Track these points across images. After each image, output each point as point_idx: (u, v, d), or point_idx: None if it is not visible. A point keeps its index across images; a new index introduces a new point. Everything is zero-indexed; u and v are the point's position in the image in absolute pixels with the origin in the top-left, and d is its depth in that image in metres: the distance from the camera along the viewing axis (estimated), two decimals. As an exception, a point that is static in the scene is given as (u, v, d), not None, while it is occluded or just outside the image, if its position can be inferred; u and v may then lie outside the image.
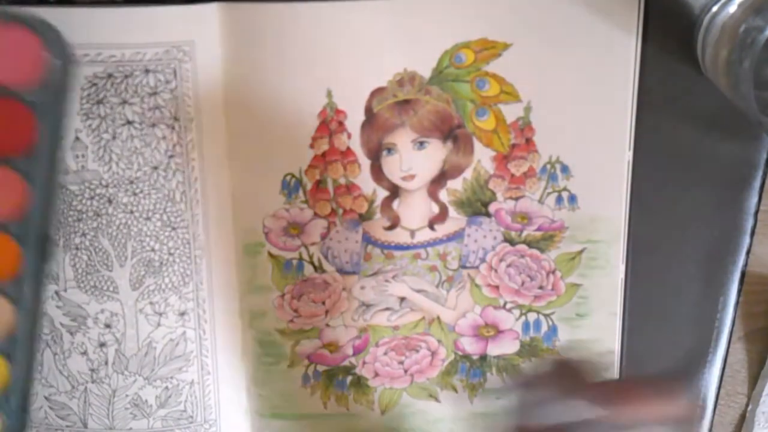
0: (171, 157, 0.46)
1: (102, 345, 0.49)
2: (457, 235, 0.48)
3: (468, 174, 0.47)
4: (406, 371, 0.51)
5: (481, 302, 0.49)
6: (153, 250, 0.47)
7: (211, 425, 0.51)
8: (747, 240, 0.48)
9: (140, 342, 0.49)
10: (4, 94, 0.39)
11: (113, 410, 0.50)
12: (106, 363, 0.49)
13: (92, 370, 0.50)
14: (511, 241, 0.48)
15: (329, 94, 0.45)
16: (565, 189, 0.47)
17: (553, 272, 0.49)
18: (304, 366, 0.50)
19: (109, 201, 0.46)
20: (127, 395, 0.50)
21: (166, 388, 0.50)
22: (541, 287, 0.49)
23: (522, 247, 0.48)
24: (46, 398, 0.50)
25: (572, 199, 0.47)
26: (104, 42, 0.43)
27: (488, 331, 0.50)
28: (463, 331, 0.50)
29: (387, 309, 0.49)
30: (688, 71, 0.44)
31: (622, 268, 0.48)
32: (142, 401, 0.50)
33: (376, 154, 0.46)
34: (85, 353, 0.49)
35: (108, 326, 0.49)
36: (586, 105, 0.45)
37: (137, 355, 0.49)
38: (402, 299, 0.49)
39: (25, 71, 0.39)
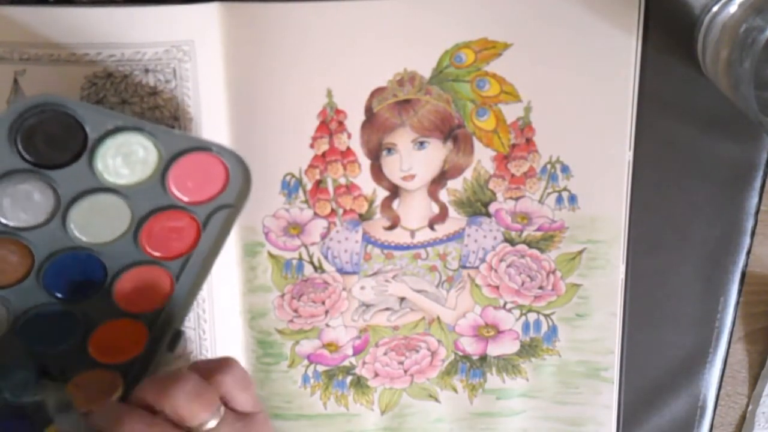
0: (171, 156, 0.46)
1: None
2: (457, 235, 0.48)
3: (468, 174, 0.47)
4: (406, 371, 0.51)
5: (481, 302, 0.49)
6: (153, 249, 0.47)
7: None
8: (747, 240, 0.48)
9: (140, 342, 0.49)
10: (182, 209, 0.43)
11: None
12: (106, 363, 0.49)
13: (92, 370, 0.49)
14: (511, 241, 0.48)
15: (329, 94, 0.45)
16: (565, 189, 0.47)
17: (554, 272, 0.48)
18: (304, 366, 0.50)
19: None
20: (126, 395, 0.50)
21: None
22: (541, 287, 0.49)
23: (522, 247, 0.48)
24: (45, 398, 0.50)
25: (572, 199, 0.47)
26: (104, 42, 0.43)
27: (488, 331, 0.50)
28: (463, 332, 0.50)
29: (387, 309, 0.49)
30: (688, 71, 0.44)
31: (622, 268, 0.48)
32: (141, 401, 0.50)
33: (376, 154, 0.46)
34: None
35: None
36: (587, 105, 0.45)
37: (137, 355, 0.49)
38: (402, 299, 0.49)
39: (207, 191, 0.43)
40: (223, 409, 0.40)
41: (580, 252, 0.48)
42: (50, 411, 0.42)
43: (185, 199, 0.43)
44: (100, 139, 0.40)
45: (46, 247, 0.42)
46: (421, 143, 0.46)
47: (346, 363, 0.50)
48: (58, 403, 0.42)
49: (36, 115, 0.39)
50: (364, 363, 0.50)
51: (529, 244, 0.48)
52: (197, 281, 0.45)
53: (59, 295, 0.43)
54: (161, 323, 0.45)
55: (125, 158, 0.41)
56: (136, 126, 0.41)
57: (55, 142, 0.40)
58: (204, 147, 0.42)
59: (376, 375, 0.51)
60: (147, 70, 0.44)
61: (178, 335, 0.46)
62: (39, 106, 0.39)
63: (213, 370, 0.41)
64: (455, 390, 0.51)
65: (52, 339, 0.44)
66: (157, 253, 0.44)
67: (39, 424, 0.43)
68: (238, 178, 0.43)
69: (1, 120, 0.39)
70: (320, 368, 0.50)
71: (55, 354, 0.44)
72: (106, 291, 0.44)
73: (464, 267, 0.48)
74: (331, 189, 0.47)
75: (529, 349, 0.50)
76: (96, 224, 0.42)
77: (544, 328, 0.50)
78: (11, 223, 0.41)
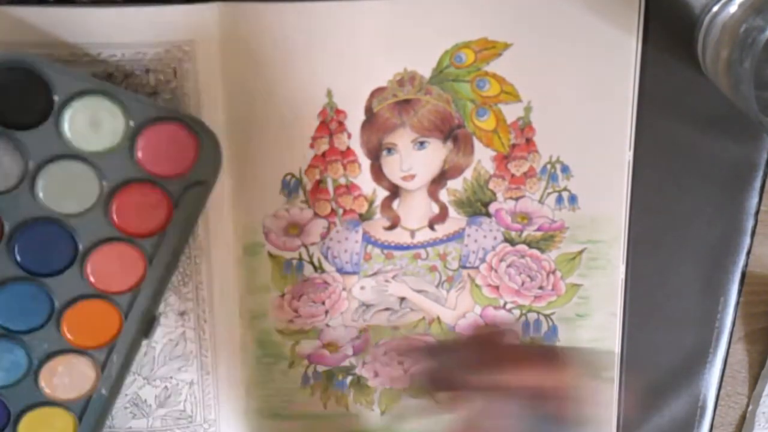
0: (171, 156, 0.46)
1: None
2: (457, 235, 0.48)
3: (468, 174, 0.47)
4: (405, 371, 0.51)
5: (482, 302, 0.49)
6: (153, 249, 0.47)
7: (211, 425, 0.51)
8: (747, 240, 0.48)
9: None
10: (152, 182, 0.42)
11: (113, 409, 0.50)
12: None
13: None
14: (511, 242, 0.48)
15: (329, 94, 0.45)
16: (565, 189, 0.47)
17: (554, 272, 0.48)
18: (304, 366, 0.50)
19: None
20: (126, 394, 0.50)
21: (166, 387, 0.50)
22: (541, 287, 0.49)
23: (522, 247, 0.48)
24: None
25: (572, 199, 0.47)
26: (104, 42, 0.43)
27: (488, 331, 0.50)
28: (463, 332, 0.50)
29: (387, 309, 0.49)
30: (688, 71, 0.44)
31: (622, 268, 0.48)
32: (141, 401, 0.50)
33: (376, 154, 0.46)
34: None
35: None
36: (587, 105, 0.45)
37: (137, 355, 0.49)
38: (402, 299, 0.49)
39: (177, 165, 0.42)
40: None
41: (581, 252, 0.48)
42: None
43: (155, 171, 0.42)
44: (67, 101, 0.40)
45: (16, 213, 0.41)
46: (421, 143, 0.46)
47: (346, 363, 0.50)
48: None
49: (1, 73, 0.39)
50: (364, 363, 0.50)
51: (529, 244, 0.48)
52: (171, 261, 0.44)
53: (29, 268, 0.42)
54: (137, 306, 0.44)
55: (93, 124, 0.40)
56: (104, 89, 0.40)
57: (21, 102, 0.40)
58: (174, 117, 0.41)
59: (376, 375, 0.51)
60: (147, 70, 0.44)
61: (153, 320, 0.45)
62: (4, 64, 0.39)
63: None
64: (455, 390, 0.51)
65: (24, 315, 0.43)
66: (129, 229, 0.42)
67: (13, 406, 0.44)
68: (210, 152, 0.42)
69: None
70: (320, 368, 0.50)
71: (28, 334, 0.43)
72: (78, 268, 0.43)
73: (464, 267, 0.48)
74: (331, 189, 0.47)
75: None
76: (65, 193, 0.41)
77: (544, 328, 0.50)
78: None
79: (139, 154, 0.41)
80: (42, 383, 0.44)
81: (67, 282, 0.43)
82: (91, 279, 0.43)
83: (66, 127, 0.40)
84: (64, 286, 0.43)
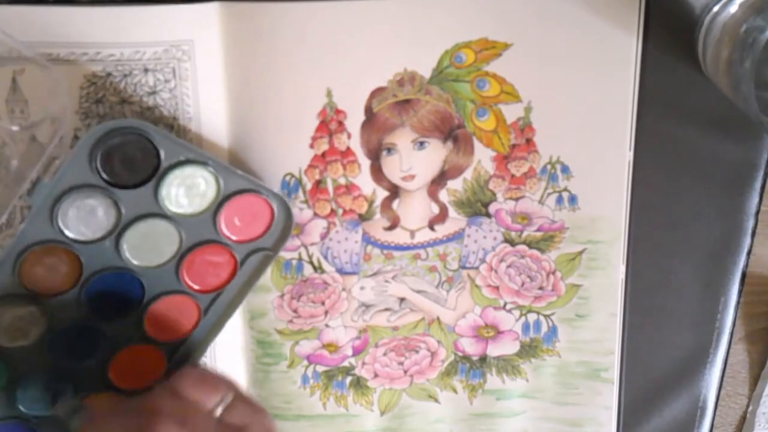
0: (170, 156, 0.46)
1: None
2: (457, 236, 0.48)
3: (468, 174, 0.47)
4: (405, 372, 0.51)
5: (481, 303, 0.49)
6: (152, 249, 0.47)
7: (210, 426, 0.50)
8: (748, 240, 0.48)
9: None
10: (224, 245, 0.44)
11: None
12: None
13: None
14: (511, 242, 0.48)
15: (329, 94, 0.45)
16: (565, 189, 0.47)
17: (554, 273, 0.48)
18: (304, 366, 0.50)
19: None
20: (125, 395, 0.50)
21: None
22: (541, 288, 0.49)
23: (522, 247, 0.48)
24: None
25: (572, 199, 0.47)
26: (103, 41, 0.43)
27: (488, 331, 0.50)
28: (462, 332, 0.50)
29: (387, 309, 0.49)
30: (688, 71, 0.44)
31: (622, 268, 0.48)
32: (140, 401, 0.50)
33: (376, 154, 0.46)
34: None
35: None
36: (587, 105, 0.45)
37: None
38: (402, 300, 0.49)
39: (250, 232, 0.45)
40: (230, 395, 0.41)
41: (580, 252, 0.48)
42: (63, 418, 0.42)
43: (231, 236, 0.44)
44: (170, 168, 0.42)
45: (96, 263, 0.43)
46: (421, 143, 0.46)
47: (345, 363, 0.50)
48: (70, 410, 0.42)
49: (119, 136, 0.41)
50: (363, 363, 0.50)
51: (529, 245, 0.48)
52: (222, 318, 0.46)
53: (95, 313, 0.44)
54: (180, 355, 0.46)
55: (188, 189, 0.43)
56: (205, 160, 0.42)
57: (131, 165, 0.42)
58: (259, 190, 0.44)
59: (376, 375, 0.51)
60: (146, 70, 0.44)
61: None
62: (124, 129, 0.41)
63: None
64: (455, 391, 0.51)
65: (79, 354, 0.45)
66: (194, 285, 0.45)
67: None
68: (281, 224, 0.45)
69: (89, 136, 0.41)
70: (320, 369, 0.50)
71: (76, 371, 0.45)
72: (138, 314, 0.45)
73: (464, 267, 0.48)
74: (330, 189, 0.47)
75: (529, 350, 0.50)
76: (146, 248, 0.44)
77: (544, 328, 0.50)
78: (71, 234, 0.42)
79: (222, 220, 0.44)
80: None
81: (124, 328, 0.45)
82: (148, 327, 0.45)
83: (163, 191, 0.43)
84: (120, 332, 0.45)
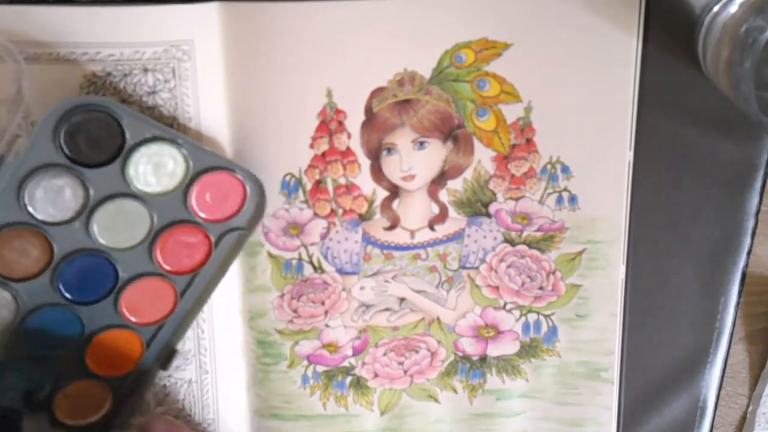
0: (170, 156, 0.46)
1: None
2: (457, 236, 0.48)
3: (468, 174, 0.47)
4: (405, 372, 0.51)
5: (481, 303, 0.49)
6: (152, 249, 0.47)
7: (210, 424, 0.50)
8: (748, 240, 0.48)
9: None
10: (197, 225, 0.44)
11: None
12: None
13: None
14: (511, 242, 0.48)
15: (329, 94, 0.45)
16: (565, 189, 0.47)
17: (554, 273, 0.48)
18: (304, 366, 0.50)
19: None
20: (125, 394, 0.50)
21: (164, 386, 0.50)
22: (541, 288, 0.49)
23: (522, 247, 0.48)
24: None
25: (573, 199, 0.47)
26: (103, 41, 0.43)
27: (488, 331, 0.50)
28: (462, 332, 0.50)
29: (387, 309, 0.49)
30: (688, 71, 0.44)
31: (622, 268, 0.48)
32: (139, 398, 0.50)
33: (376, 154, 0.46)
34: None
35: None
36: (587, 105, 0.45)
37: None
38: (402, 300, 0.49)
39: (223, 211, 0.44)
40: None
41: (580, 252, 0.48)
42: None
43: (202, 215, 0.44)
44: (136, 146, 0.42)
45: (67, 245, 0.43)
46: (421, 143, 0.46)
47: (345, 363, 0.50)
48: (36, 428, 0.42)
49: (83, 113, 0.41)
50: (363, 363, 0.50)
51: (529, 245, 0.48)
52: (200, 300, 0.46)
53: (69, 296, 0.43)
54: (158, 340, 0.46)
55: (155, 167, 0.42)
56: (172, 137, 0.42)
57: (95, 142, 0.41)
58: (229, 167, 0.43)
59: (376, 375, 0.51)
60: (146, 70, 0.44)
61: (172, 353, 0.47)
62: (87, 106, 0.41)
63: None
64: (455, 391, 0.51)
65: (53, 341, 0.44)
66: (167, 267, 0.44)
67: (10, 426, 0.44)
68: (254, 202, 0.44)
69: (50, 114, 0.40)
70: (320, 369, 0.50)
71: (52, 358, 0.44)
72: (113, 298, 0.44)
73: (464, 267, 0.48)
74: (330, 189, 0.47)
75: (529, 350, 0.50)
76: (117, 229, 0.43)
77: (544, 328, 0.50)
78: (39, 216, 0.42)
79: (192, 199, 0.44)
80: (54, 406, 0.45)
81: (100, 311, 0.44)
82: (123, 310, 0.45)
83: (131, 170, 0.42)
84: (95, 315, 0.44)
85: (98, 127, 0.41)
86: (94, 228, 0.42)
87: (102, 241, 0.43)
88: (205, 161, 0.43)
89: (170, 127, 0.43)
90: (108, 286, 0.44)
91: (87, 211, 0.42)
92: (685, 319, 0.49)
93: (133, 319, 0.45)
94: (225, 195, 0.44)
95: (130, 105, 0.44)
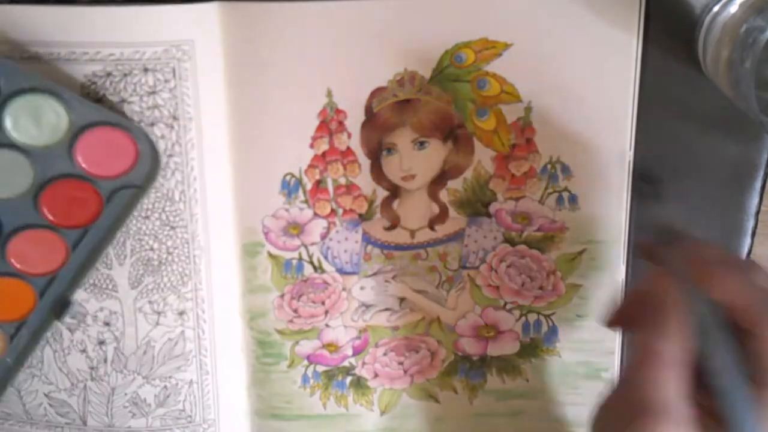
0: (170, 156, 0.46)
1: (101, 343, 0.49)
2: (457, 236, 0.48)
3: (468, 174, 0.47)
4: (405, 372, 0.51)
5: (482, 303, 0.49)
6: (152, 249, 0.47)
7: (210, 425, 0.51)
8: (748, 241, 0.48)
9: (139, 340, 0.49)
10: (85, 180, 0.44)
11: (112, 408, 0.50)
12: (105, 361, 0.49)
13: (92, 368, 0.50)
14: (511, 242, 0.48)
15: (329, 94, 0.45)
16: (565, 189, 0.47)
17: (554, 273, 0.48)
18: (304, 366, 0.50)
19: (109, 200, 0.46)
20: (126, 393, 0.50)
21: (165, 387, 0.50)
22: (541, 288, 0.49)
23: (522, 247, 0.48)
24: (45, 395, 0.50)
25: (573, 199, 0.47)
26: (103, 40, 0.43)
27: (488, 331, 0.50)
28: (463, 332, 0.50)
29: (387, 309, 0.49)
30: (688, 71, 0.44)
31: (622, 268, 0.48)
32: (140, 400, 0.50)
33: (376, 154, 0.46)
34: (84, 351, 0.49)
35: (107, 324, 0.49)
36: (587, 105, 0.45)
37: (136, 354, 0.49)
38: (402, 300, 0.49)
39: (114, 168, 0.44)
40: None
41: (581, 252, 0.48)
42: None
43: (90, 170, 0.44)
44: (12, 95, 0.42)
45: None
46: (421, 143, 0.46)
47: (345, 363, 0.50)
48: None
49: None
50: (363, 363, 0.50)
51: (530, 245, 0.48)
52: (93, 254, 0.46)
53: None
54: (51, 291, 0.46)
55: (36, 119, 0.43)
56: (51, 90, 0.42)
57: None
58: (116, 123, 0.43)
59: (376, 375, 0.51)
60: (146, 70, 0.44)
61: (66, 304, 0.47)
62: None
63: None
64: (455, 391, 0.51)
65: None
66: (55, 219, 0.45)
67: None
68: (147, 160, 0.44)
69: None
70: (320, 368, 0.50)
71: None
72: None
73: (464, 267, 0.48)
74: (330, 189, 0.47)
75: (529, 350, 0.50)
76: None
77: (545, 328, 0.50)
78: None
79: (78, 153, 0.44)
80: None
81: None
82: (12, 259, 0.46)
83: (8, 120, 0.43)
84: None
85: None
86: None
87: None
88: (90, 116, 0.43)
89: (46, 79, 0.43)
90: None
91: None
92: (686, 319, 0.49)
93: (20, 267, 0.46)
94: (115, 151, 0.44)
95: (130, 104, 0.44)
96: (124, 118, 0.44)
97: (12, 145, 0.43)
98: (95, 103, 0.43)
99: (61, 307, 0.47)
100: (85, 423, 0.51)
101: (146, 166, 0.45)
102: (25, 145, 0.43)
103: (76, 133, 0.43)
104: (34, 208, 0.45)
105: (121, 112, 0.44)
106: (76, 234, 0.45)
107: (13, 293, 0.46)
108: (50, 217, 0.45)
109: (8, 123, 0.43)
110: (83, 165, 0.44)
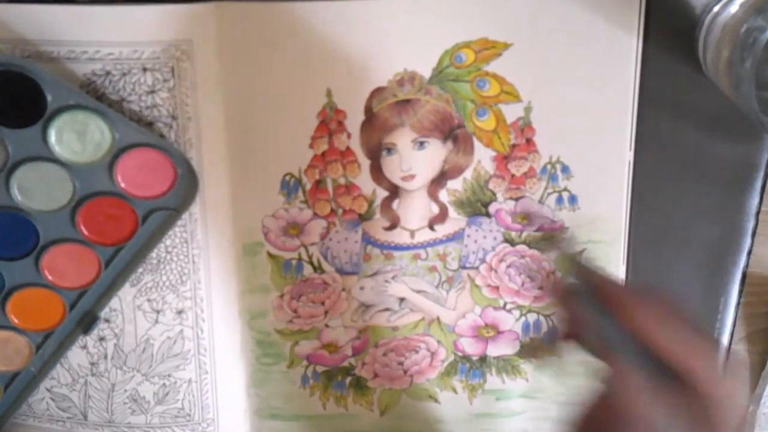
0: (170, 156, 0.46)
1: (101, 339, 0.49)
2: (457, 236, 0.48)
3: (468, 174, 0.46)
4: (405, 372, 0.50)
5: (481, 303, 0.49)
6: (151, 248, 0.47)
7: (209, 424, 0.51)
8: (748, 241, 0.48)
9: (138, 338, 0.49)
10: (124, 199, 0.45)
11: (112, 404, 0.50)
12: (106, 357, 0.49)
13: (92, 364, 0.50)
14: (511, 242, 0.48)
15: (329, 94, 0.45)
16: (565, 189, 0.47)
17: (554, 273, 0.48)
18: (303, 366, 0.50)
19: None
20: (125, 390, 0.50)
21: (164, 385, 0.50)
22: (541, 288, 0.49)
23: (522, 247, 0.48)
24: (48, 390, 0.51)
25: (572, 199, 0.47)
26: (103, 40, 0.43)
27: (488, 331, 0.50)
28: (462, 332, 0.50)
29: (386, 309, 0.49)
30: (689, 71, 0.44)
31: (622, 268, 0.48)
32: (140, 397, 0.50)
33: (375, 154, 0.46)
34: (85, 347, 0.49)
35: (107, 321, 0.49)
36: (587, 105, 0.45)
37: (135, 351, 0.49)
38: (402, 300, 0.49)
39: (153, 190, 0.45)
40: None
41: (580, 252, 0.48)
42: None
43: (129, 190, 0.45)
44: (59, 111, 0.42)
45: None
46: (421, 143, 0.46)
47: (345, 363, 0.50)
48: None
49: (1, 73, 0.41)
50: (363, 364, 0.50)
51: (529, 245, 0.48)
52: (125, 272, 0.47)
53: None
54: (81, 305, 0.47)
55: (80, 135, 0.43)
56: (97, 108, 0.42)
57: (15, 104, 0.42)
58: (158, 145, 0.44)
59: (376, 376, 0.50)
60: (145, 69, 0.44)
61: (94, 320, 0.48)
62: (5, 65, 0.41)
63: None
64: (455, 391, 0.51)
65: None
66: (91, 235, 0.45)
67: None
68: (185, 184, 0.45)
69: None
70: (319, 369, 0.50)
71: None
72: (33, 258, 0.45)
73: (464, 267, 0.48)
74: (330, 189, 0.47)
75: (529, 350, 0.50)
76: (38, 191, 0.44)
77: (544, 328, 0.49)
78: None
79: (118, 172, 0.44)
80: None
81: (21, 269, 0.46)
82: (45, 271, 0.46)
83: (53, 135, 0.43)
84: (16, 272, 0.46)
85: (18, 87, 0.41)
86: (14, 186, 0.44)
87: (20, 198, 0.44)
88: (133, 136, 0.43)
89: (91, 98, 0.43)
90: (29, 246, 0.45)
91: (6, 170, 0.43)
92: (686, 319, 0.49)
93: (53, 279, 0.46)
94: (154, 173, 0.45)
95: (129, 104, 0.44)
96: (166, 141, 0.44)
97: (55, 160, 0.43)
98: (139, 125, 0.44)
99: (89, 321, 0.47)
100: (85, 417, 0.51)
101: (183, 190, 0.45)
102: (67, 160, 0.44)
103: (117, 153, 0.44)
104: (71, 223, 0.45)
105: (162, 136, 0.45)
106: (110, 251, 0.46)
107: (43, 304, 0.47)
108: (86, 233, 0.45)
109: (53, 138, 0.43)
110: (122, 184, 0.44)
